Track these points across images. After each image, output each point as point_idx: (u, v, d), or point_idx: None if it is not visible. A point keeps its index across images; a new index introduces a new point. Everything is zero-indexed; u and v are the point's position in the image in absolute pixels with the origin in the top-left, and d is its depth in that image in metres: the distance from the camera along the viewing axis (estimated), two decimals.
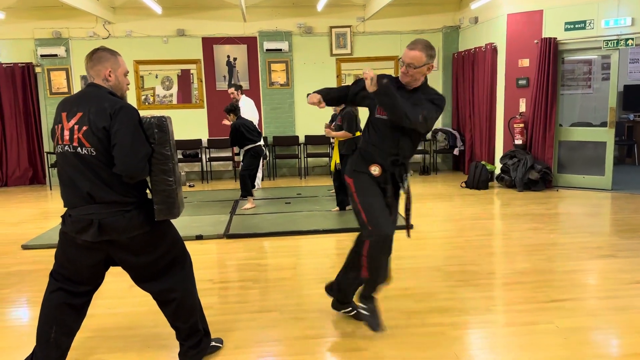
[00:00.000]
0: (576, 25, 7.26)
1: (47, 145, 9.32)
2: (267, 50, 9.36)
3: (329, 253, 4.89)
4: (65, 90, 9.22)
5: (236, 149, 8.79)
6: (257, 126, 7.13)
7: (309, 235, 5.44)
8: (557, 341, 2.93)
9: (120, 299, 3.79)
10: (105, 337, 3.13)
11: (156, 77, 9.44)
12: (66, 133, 2.38)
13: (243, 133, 6.56)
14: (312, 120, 9.49)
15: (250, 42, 9.43)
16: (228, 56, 9.44)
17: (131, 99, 9.27)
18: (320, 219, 6.08)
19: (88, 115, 2.34)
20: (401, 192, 3.07)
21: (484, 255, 4.62)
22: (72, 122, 2.37)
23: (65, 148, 2.39)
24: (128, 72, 2.63)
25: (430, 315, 3.33)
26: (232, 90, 7.80)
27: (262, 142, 6.91)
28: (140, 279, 2.63)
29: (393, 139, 2.90)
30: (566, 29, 7.35)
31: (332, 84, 9.63)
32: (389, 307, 3.49)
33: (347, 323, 3.24)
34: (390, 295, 3.72)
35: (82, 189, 2.37)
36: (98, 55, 2.50)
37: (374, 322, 2.95)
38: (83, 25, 9.07)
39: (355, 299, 3.19)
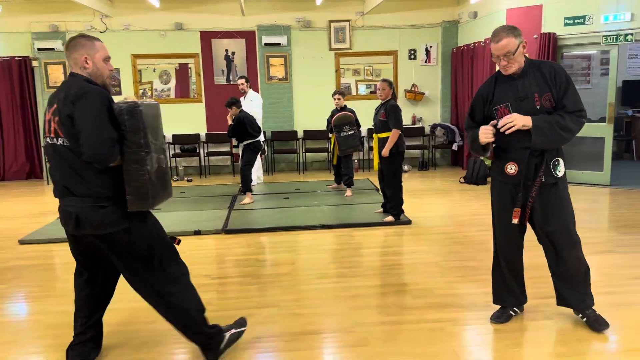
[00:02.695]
0: (575, 21, 7.23)
1: (44, 139, 9.26)
2: (265, 44, 9.32)
3: (327, 248, 4.88)
4: None
5: (234, 142, 8.76)
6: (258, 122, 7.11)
7: (307, 230, 5.43)
8: (556, 337, 2.93)
9: (118, 294, 3.77)
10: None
11: (154, 71, 9.40)
12: (46, 125, 2.41)
13: (246, 126, 6.53)
14: (311, 115, 9.47)
15: (248, 36, 9.40)
16: (226, 50, 9.41)
17: (128, 93, 9.24)
18: (318, 214, 6.07)
19: (59, 105, 2.33)
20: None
21: (483, 251, 4.61)
22: (49, 113, 2.39)
23: (47, 140, 2.42)
24: (109, 57, 2.51)
25: (429, 311, 3.33)
26: (242, 81, 7.76)
27: (262, 138, 6.89)
28: (126, 277, 2.56)
29: (522, 131, 2.75)
30: (565, 24, 7.33)
31: (331, 78, 9.61)
32: (386, 302, 3.49)
33: (346, 319, 3.23)
34: (388, 291, 3.72)
35: (59, 181, 2.38)
36: (74, 43, 2.44)
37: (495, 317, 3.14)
38: (80, 18, 9.02)
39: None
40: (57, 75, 9.16)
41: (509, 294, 3.17)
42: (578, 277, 3.00)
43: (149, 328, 3.17)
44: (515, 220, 2.90)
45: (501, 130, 2.75)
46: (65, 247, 5.00)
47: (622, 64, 9.59)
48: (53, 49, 8.98)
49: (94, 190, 2.34)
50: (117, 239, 2.41)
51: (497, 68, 2.87)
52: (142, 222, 2.46)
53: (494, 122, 2.84)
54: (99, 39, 2.52)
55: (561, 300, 3.10)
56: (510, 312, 3.16)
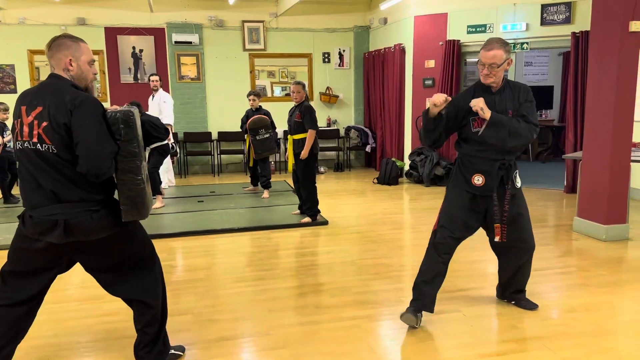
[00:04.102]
0: (477, 29, 7.68)
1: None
2: (175, 42, 9.03)
3: (244, 251, 4.80)
4: None
5: None
6: (169, 125, 6.84)
7: (223, 234, 5.32)
8: (464, 329, 3.07)
9: None
10: None
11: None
12: (25, 128, 2.21)
13: (148, 131, 6.25)
14: (226, 116, 9.31)
15: (157, 34, 9.05)
16: (134, 47, 9.00)
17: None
18: (235, 216, 5.97)
19: (48, 110, 2.17)
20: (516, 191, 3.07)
21: (396, 249, 4.76)
22: (32, 116, 2.20)
23: (25, 144, 2.21)
24: (94, 60, 2.42)
25: (345, 309, 3.37)
26: (157, 78, 7.40)
27: (170, 140, 6.66)
28: (107, 283, 2.47)
29: (492, 145, 2.92)
30: (468, 32, 7.76)
31: (246, 79, 9.51)
32: (304, 303, 3.49)
33: (263, 322, 3.19)
34: (305, 291, 3.72)
35: (44, 187, 2.20)
36: (57, 43, 2.30)
37: (405, 316, 3.05)
38: None
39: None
40: None
41: (432, 296, 3.11)
42: (526, 279, 3.32)
43: (52, 342, 2.95)
44: (497, 238, 3.03)
45: (473, 108, 2.87)
46: None
47: (519, 71, 10.34)
48: None
49: (87, 195, 2.24)
50: (106, 243, 2.32)
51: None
52: (131, 223, 2.41)
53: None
54: (84, 41, 2.37)
55: (505, 298, 3.42)
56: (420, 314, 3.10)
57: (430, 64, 8.09)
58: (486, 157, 2.98)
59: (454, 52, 7.73)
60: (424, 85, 8.17)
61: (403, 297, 3.58)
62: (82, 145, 2.15)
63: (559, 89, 10.50)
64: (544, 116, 10.55)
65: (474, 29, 7.70)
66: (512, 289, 3.35)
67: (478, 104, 2.85)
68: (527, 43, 7.32)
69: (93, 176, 2.20)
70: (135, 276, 2.49)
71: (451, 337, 2.96)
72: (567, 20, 7.01)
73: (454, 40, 7.75)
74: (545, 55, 10.63)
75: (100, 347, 2.90)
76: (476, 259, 4.37)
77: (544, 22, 7.19)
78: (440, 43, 7.89)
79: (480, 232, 3.21)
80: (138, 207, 2.32)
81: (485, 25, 7.61)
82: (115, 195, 2.40)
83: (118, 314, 3.31)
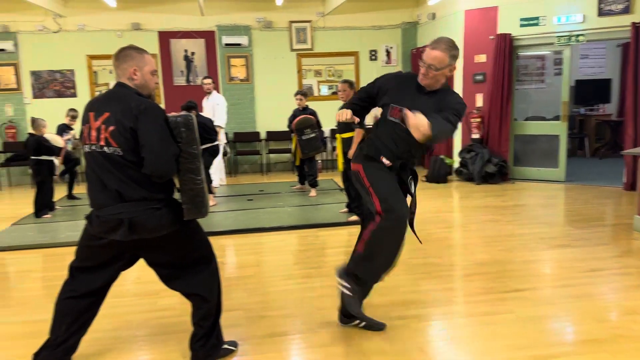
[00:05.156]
0: (530, 22, 7.45)
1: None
2: (226, 44, 9.22)
3: (292, 249, 4.86)
4: (15, 86, 8.84)
5: None
6: (219, 128, 6.97)
7: (272, 232, 5.40)
8: (517, 330, 3.00)
9: None
10: None
11: (110, 73, 9.16)
12: (93, 133, 2.39)
13: (201, 132, 6.41)
14: (274, 116, 9.42)
15: (208, 37, 9.28)
16: (185, 50, 9.26)
17: (84, 95, 8.97)
18: (283, 215, 6.04)
19: (115, 116, 2.34)
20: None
21: (445, 248, 4.70)
22: (99, 121, 2.38)
23: (93, 148, 2.40)
24: (156, 70, 2.60)
25: (394, 308, 3.36)
26: (210, 81, 7.57)
27: (223, 139, 6.79)
28: (167, 277, 2.63)
29: (402, 142, 2.74)
30: (521, 25, 7.53)
31: (293, 79, 9.60)
32: None
33: (312, 320, 3.23)
34: None
35: (110, 187, 2.37)
36: (124, 54, 2.50)
37: (349, 303, 2.80)
38: (32, 18, 8.70)
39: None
40: (8, 77, 8.80)
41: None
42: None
43: (112, 335, 3.09)
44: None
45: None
46: (19, 255, 4.84)
47: (574, 64, 9.94)
48: (3, 49, 8.63)
49: (149, 194, 2.39)
50: (168, 239, 2.46)
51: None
52: (191, 221, 2.55)
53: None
54: (147, 52, 2.56)
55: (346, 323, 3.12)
56: None
57: (481, 58, 7.91)
58: (391, 151, 2.78)
59: (506, 46, 7.53)
60: (474, 80, 8.00)
61: (453, 297, 3.53)
62: (148, 148, 2.31)
63: (617, 82, 10.04)
64: (601, 110, 10.12)
65: (526, 22, 7.47)
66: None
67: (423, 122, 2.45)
68: (583, 35, 7.04)
69: (157, 177, 2.35)
70: (193, 271, 2.61)
71: (502, 339, 2.90)
72: (626, 10, 6.69)
73: (505, 34, 7.54)
74: (602, 47, 10.18)
75: (158, 340, 3.02)
76: (529, 258, 4.26)
77: (601, 12, 6.89)
78: (491, 37, 7.70)
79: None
80: (198, 206, 2.44)
81: (538, 18, 7.37)
82: (175, 195, 2.52)
83: (173, 309, 3.43)
